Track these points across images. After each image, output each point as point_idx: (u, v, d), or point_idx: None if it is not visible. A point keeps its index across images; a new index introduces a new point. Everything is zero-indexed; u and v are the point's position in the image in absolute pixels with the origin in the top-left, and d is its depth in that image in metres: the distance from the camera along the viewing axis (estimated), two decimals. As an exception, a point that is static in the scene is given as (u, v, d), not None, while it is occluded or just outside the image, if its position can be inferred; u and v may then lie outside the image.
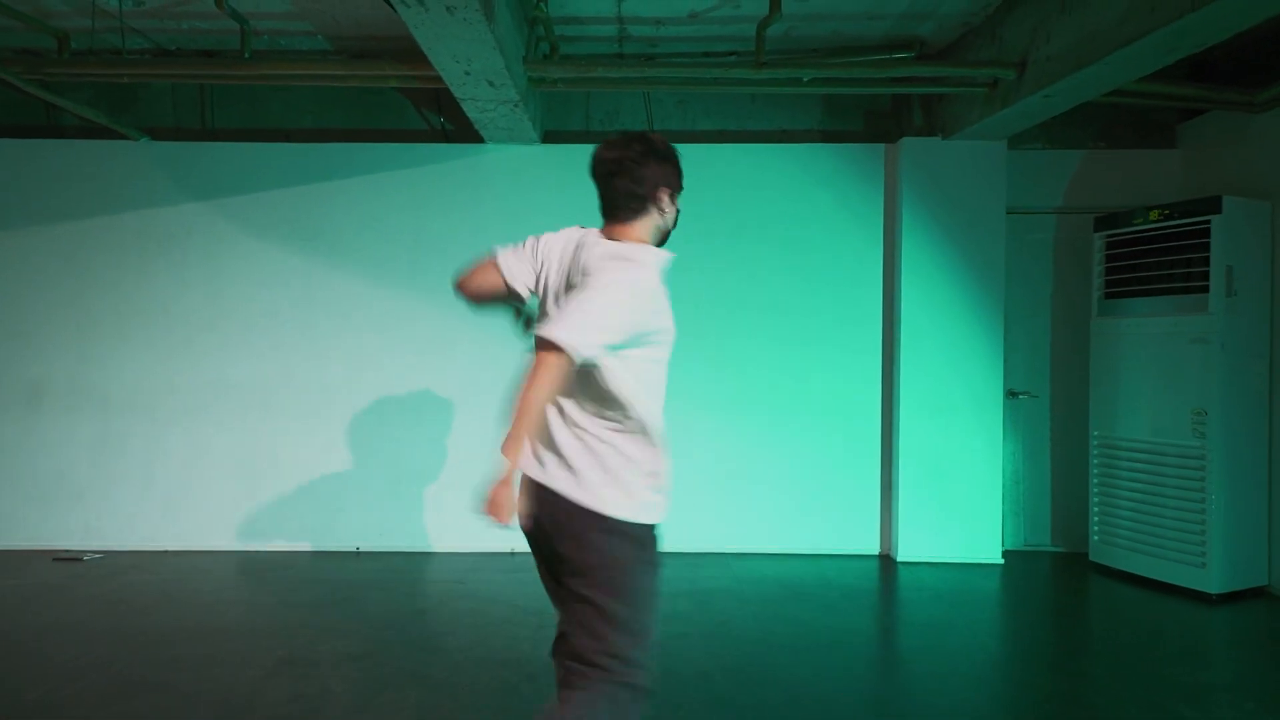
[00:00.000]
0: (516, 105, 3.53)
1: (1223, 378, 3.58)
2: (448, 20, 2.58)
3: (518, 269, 1.79)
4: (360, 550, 4.24)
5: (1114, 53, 2.80)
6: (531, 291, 1.81)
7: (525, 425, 1.54)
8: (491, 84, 3.24)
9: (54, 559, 4.03)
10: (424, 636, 3.08)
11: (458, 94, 3.39)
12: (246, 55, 3.51)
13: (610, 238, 1.73)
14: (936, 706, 2.56)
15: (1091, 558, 4.08)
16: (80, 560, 4.02)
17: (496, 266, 1.79)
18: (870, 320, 4.32)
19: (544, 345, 1.52)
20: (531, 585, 3.33)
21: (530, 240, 1.83)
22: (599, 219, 1.76)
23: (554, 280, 1.76)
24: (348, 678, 2.66)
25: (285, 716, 2.40)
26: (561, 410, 1.66)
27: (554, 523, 1.65)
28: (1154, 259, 3.81)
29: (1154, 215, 3.81)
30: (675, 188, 1.76)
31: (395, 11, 2.57)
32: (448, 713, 2.44)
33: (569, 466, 1.64)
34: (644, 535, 1.68)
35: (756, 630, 3.16)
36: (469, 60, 2.98)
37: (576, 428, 1.65)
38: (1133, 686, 2.70)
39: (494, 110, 3.61)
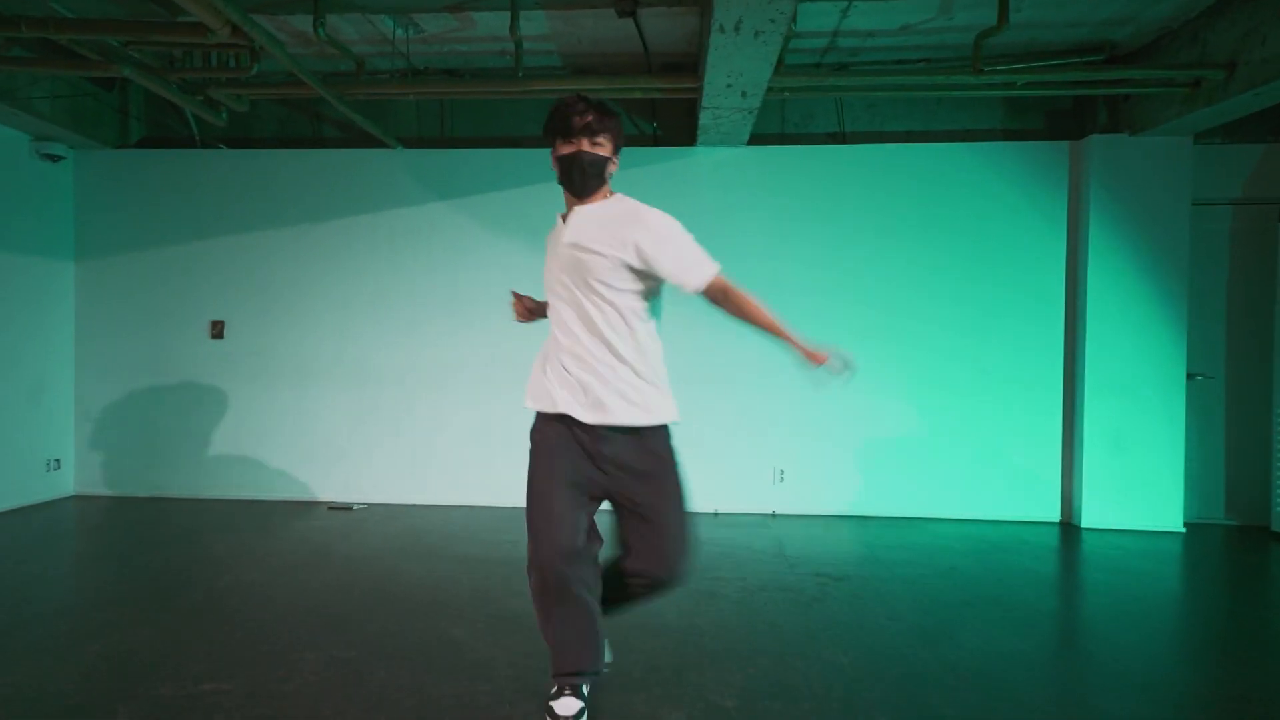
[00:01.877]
0: (752, 112, 3.99)
1: None
2: (751, 42, 3.06)
3: None
4: (581, 508, 4.77)
5: (1338, 55, 3.09)
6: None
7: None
8: (745, 94, 3.71)
9: (329, 508, 4.70)
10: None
11: (707, 103, 3.87)
12: (520, 74, 4.07)
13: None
14: (1158, 623, 2.89)
15: (1275, 528, 4.31)
16: (350, 510, 4.67)
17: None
18: (1053, 306, 4.63)
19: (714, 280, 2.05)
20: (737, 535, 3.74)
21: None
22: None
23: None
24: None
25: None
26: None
27: None
28: (1345, 246, 4.04)
29: (1345, 205, 4.03)
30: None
31: (702, 37, 3.04)
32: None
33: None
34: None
35: (983, 574, 3.54)
36: (740, 74, 3.45)
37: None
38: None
39: (728, 116, 4.08)
